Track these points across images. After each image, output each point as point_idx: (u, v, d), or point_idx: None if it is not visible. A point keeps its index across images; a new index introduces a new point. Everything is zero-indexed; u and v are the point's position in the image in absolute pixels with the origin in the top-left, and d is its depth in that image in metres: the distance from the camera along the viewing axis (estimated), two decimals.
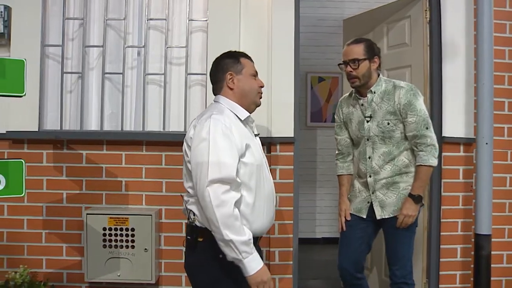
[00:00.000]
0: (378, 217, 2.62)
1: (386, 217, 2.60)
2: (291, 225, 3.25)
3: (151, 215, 3.10)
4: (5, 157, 3.25)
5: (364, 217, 2.67)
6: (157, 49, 3.36)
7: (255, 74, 2.13)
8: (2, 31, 3.18)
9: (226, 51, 2.16)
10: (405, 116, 2.53)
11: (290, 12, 3.27)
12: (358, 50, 2.58)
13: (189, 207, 2.00)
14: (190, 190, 1.99)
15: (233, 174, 1.85)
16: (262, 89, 2.15)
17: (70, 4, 3.35)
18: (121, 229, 3.08)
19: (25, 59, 2.16)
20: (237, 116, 2.03)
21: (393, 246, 2.63)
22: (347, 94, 2.85)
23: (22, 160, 2.26)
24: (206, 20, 3.32)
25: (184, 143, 2.01)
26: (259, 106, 2.16)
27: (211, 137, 1.86)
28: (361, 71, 2.56)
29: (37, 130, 3.24)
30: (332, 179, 4.28)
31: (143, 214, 3.11)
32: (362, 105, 2.65)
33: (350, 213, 2.73)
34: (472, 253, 3.17)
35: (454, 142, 3.26)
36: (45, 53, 3.30)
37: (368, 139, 2.63)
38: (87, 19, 3.34)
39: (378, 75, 2.64)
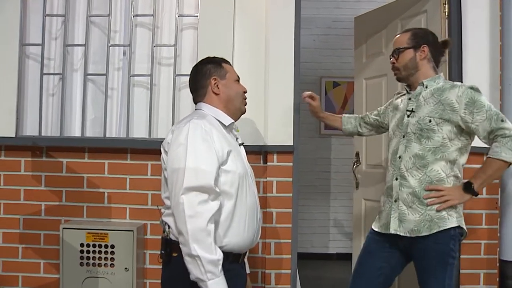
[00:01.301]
0: (392, 231, 2.20)
1: (401, 234, 2.17)
2: (289, 244, 2.90)
3: (132, 230, 2.80)
4: None
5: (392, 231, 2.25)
6: (144, 48, 3.07)
7: (238, 80, 2.08)
8: None
9: (217, 50, 2.11)
10: (471, 117, 2.10)
11: (290, 8, 2.96)
12: (402, 39, 2.31)
13: (165, 219, 1.88)
14: (166, 201, 1.88)
15: (211, 182, 1.73)
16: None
17: (52, 0, 3.09)
18: (100, 246, 2.80)
19: None
20: (220, 122, 1.94)
21: (424, 282, 2.17)
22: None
23: None
24: (197, 16, 3.02)
25: (162, 149, 1.91)
26: (244, 113, 2.09)
27: (189, 142, 1.76)
28: (402, 61, 2.28)
29: (14, 136, 2.99)
30: (348, 190, 3.96)
31: (124, 229, 2.82)
32: (410, 99, 2.31)
33: (371, 236, 2.35)
34: (498, 279, 2.81)
35: (477, 152, 2.78)
36: (24, 53, 3.05)
37: (404, 136, 2.25)
38: (70, 16, 3.08)
39: (436, 72, 2.29)
